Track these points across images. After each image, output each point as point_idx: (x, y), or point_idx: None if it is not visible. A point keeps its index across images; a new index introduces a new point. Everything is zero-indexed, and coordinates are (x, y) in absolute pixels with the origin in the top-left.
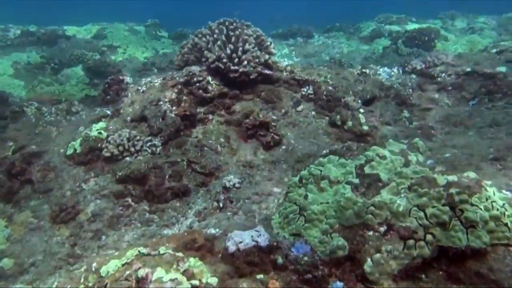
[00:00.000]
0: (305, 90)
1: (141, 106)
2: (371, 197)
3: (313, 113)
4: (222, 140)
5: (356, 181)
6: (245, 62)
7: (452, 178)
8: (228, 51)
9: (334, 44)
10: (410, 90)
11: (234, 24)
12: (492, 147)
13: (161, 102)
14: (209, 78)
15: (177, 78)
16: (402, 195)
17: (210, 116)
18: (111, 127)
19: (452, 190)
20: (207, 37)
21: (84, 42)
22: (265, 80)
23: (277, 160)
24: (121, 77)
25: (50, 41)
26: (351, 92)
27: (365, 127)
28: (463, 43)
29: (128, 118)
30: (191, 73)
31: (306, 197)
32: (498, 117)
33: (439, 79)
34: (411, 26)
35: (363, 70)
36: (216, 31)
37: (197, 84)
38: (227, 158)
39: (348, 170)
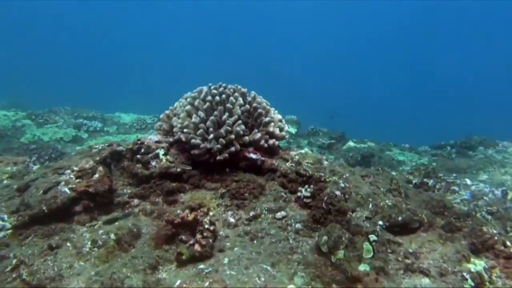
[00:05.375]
0: (303, 190)
1: (43, 172)
2: None
3: (299, 226)
4: (112, 237)
5: None
6: (211, 136)
7: None
8: (195, 119)
9: (506, 161)
10: None
11: (221, 88)
12: None
13: (68, 171)
14: (161, 151)
15: (114, 146)
16: None
17: (136, 201)
18: None
19: None
20: (183, 100)
21: None
22: (252, 168)
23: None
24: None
25: None
26: (370, 205)
27: (362, 268)
28: None
29: (15, 186)
30: (139, 142)
31: None
32: None
33: None
34: None
35: (424, 180)
36: (194, 94)
37: (138, 156)
38: (88, 267)
39: None
